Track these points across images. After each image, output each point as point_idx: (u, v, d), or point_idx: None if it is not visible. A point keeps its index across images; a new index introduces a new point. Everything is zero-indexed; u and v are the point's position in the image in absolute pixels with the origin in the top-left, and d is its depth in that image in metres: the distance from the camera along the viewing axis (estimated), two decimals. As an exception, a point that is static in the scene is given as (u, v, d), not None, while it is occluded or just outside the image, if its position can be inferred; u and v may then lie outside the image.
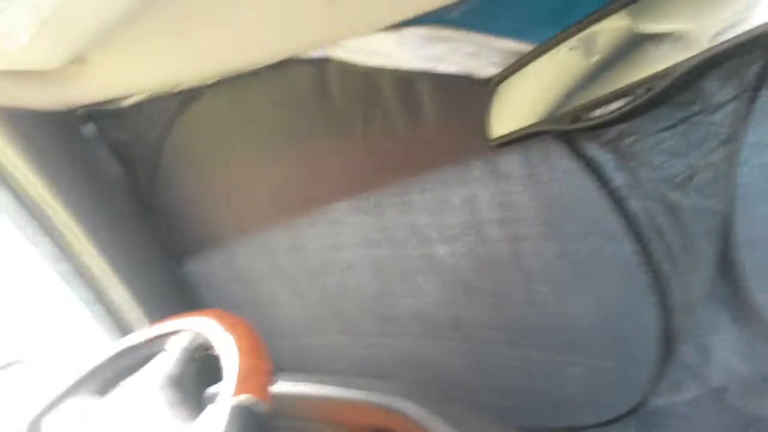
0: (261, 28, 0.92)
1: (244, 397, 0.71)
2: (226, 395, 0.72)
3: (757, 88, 0.69)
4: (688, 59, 0.61)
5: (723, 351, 0.94)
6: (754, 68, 0.67)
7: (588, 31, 0.71)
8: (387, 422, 1.07)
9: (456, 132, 0.97)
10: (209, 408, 0.74)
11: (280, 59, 1.03)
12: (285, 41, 0.99)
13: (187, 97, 1.19)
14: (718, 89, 0.69)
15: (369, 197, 1.13)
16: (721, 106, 0.70)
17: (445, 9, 0.84)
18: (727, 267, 0.85)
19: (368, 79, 0.99)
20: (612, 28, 0.70)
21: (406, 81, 0.95)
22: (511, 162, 0.94)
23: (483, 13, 0.83)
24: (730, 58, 0.64)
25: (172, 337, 0.93)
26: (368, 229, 1.18)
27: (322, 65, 1.01)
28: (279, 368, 1.50)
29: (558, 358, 1.11)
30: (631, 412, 1.10)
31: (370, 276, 1.25)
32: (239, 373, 0.76)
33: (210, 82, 1.12)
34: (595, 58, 0.73)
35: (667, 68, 0.63)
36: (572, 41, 0.74)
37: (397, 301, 1.26)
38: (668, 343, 0.96)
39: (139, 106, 1.23)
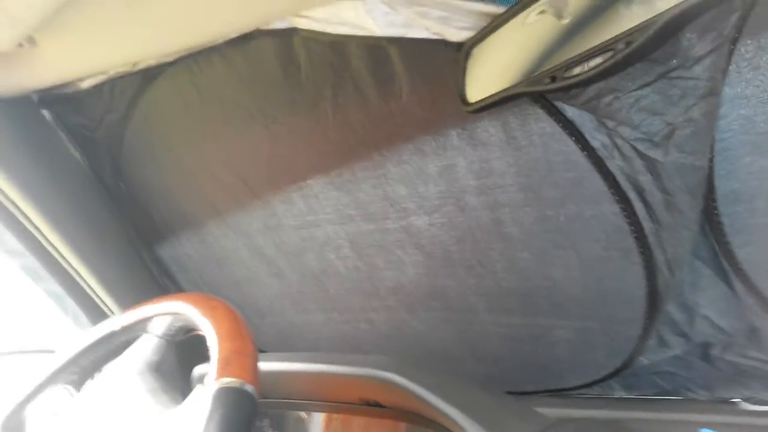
0: (220, -1, 0.87)
1: (229, 380, 0.69)
2: (211, 379, 0.70)
3: (734, 40, 0.68)
4: (668, 10, 0.59)
5: (706, 307, 0.95)
6: (732, 19, 0.65)
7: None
8: (375, 395, 1.07)
9: (430, 100, 0.94)
10: (193, 392, 0.73)
11: (242, 32, 0.98)
12: (247, 12, 0.94)
13: (147, 76, 1.14)
14: (695, 42, 0.67)
15: (343, 172, 1.10)
16: (699, 59, 0.68)
17: (411, -28, 0.81)
18: (708, 223, 0.85)
19: (336, 49, 0.95)
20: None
21: (375, 49, 0.92)
22: (488, 128, 0.92)
23: (450, -25, 0.79)
24: (708, 8, 0.62)
25: (151, 322, 0.91)
26: (344, 205, 1.15)
27: (287, 36, 0.96)
28: (262, 349, 1.49)
29: (543, 322, 1.11)
30: (618, 371, 1.11)
31: (348, 251, 1.23)
32: (223, 355, 0.74)
33: (170, 59, 1.07)
34: (566, 21, 0.71)
35: (647, 20, 0.61)
36: (540, 4, 0.71)
37: (377, 275, 1.24)
38: (653, 301, 0.96)
39: (97, 88, 1.17)
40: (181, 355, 0.91)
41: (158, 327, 0.90)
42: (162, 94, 1.17)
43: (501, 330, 1.18)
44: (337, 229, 1.21)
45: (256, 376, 0.72)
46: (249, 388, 0.70)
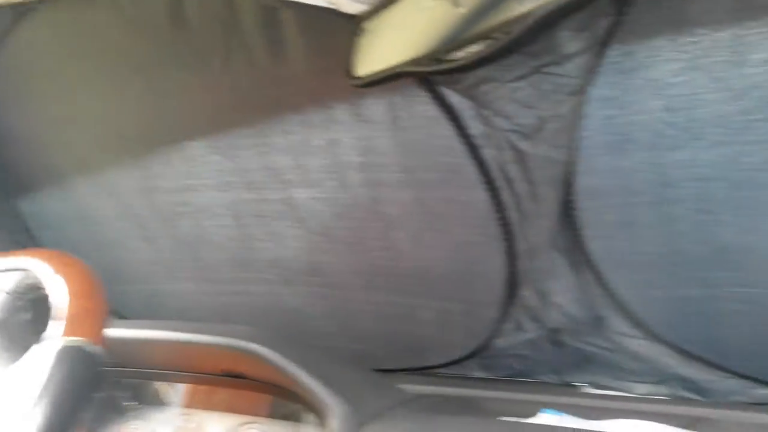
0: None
1: (73, 339, 0.66)
2: (56, 336, 0.66)
3: (605, 44, 0.73)
4: (544, 4, 0.62)
5: (559, 295, 1.02)
6: (604, 22, 0.70)
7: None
8: (239, 366, 1.05)
9: (320, 70, 0.93)
10: (34, 348, 0.68)
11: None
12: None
13: (18, 12, 1.04)
14: (569, 40, 0.71)
15: (225, 136, 1.07)
16: (570, 57, 0.73)
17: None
18: (567, 216, 0.91)
19: (229, 6, 0.91)
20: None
21: (269, 11, 0.89)
22: (375, 106, 0.93)
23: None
24: (582, 8, 0.66)
25: None
26: (225, 171, 1.12)
27: (179, -15, 0.92)
28: (122, 314, 1.41)
29: (411, 301, 1.14)
30: (477, 352, 1.17)
31: (226, 220, 1.20)
32: (69, 314, 0.71)
33: (44, -7, 0.98)
34: (463, 10, 0.72)
35: (524, 13, 0.64)
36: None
37: (255, 247, 1.21)
38: (512, 287, 1.02)
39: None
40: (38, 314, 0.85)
41: (7, 282, 0.84)
42: (34, 33, 1.07)
43: (372, 308, 1.21)
44: (216, 195, 1.17)
45: (102, 337, 0.69)
46: (94, 348, 0.67)
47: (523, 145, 0.83)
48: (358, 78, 0.85)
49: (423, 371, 1.28)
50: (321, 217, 1.10)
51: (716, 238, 0.84)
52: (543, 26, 0.66)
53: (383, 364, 1.31)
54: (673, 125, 0.76)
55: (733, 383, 0.99)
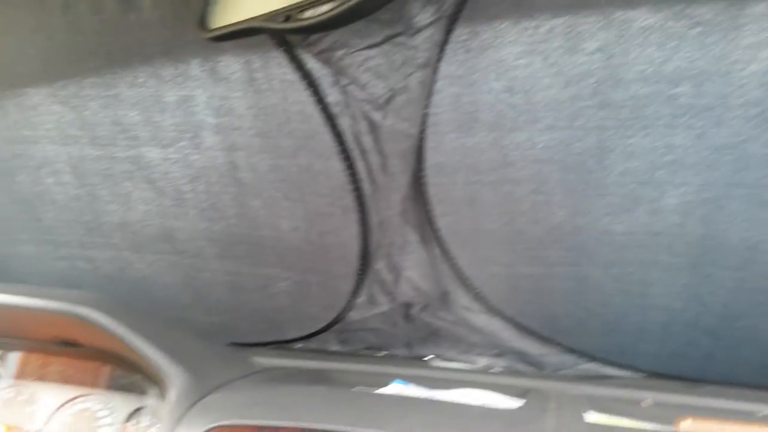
0: None
1: None
2: None
3: (453, 20, 0.74)
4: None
5: (410, 269, 1.04)
6: (452, -3, 0.72)
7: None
8: (72, 333, 0.98)
9: (173, 20, 0.87)
10: None
11: None
12: None
13: None
14: (419, 11, 0.72)
15: (68, 84, 0.98)
16: (420, 29, 0.74)
17: None
18: (417, 191, 0.93)
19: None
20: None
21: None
22: (231, 64, 0.89)
23: None
24: (429, -19, 0.67)
25: None
26: (67, 123, 1.03)
27: None
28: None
29: (267, 272, 1.12)
30: (332, 324, 1.17)
31: (69, 177, 1.10)
32: None
33: None
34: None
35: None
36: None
37: (101, 208, 1.13)
38: (365, 259, 1.03)
39: None
40: None
41: None
42: None
43: (229, 278, 1.17)
44: (57, 149, 1.07)
45: None
46: None
47: (376, 115, 0.83)
48: (209, 30, 0.81)
49: (281, 345, 1.27)
50: (173, 179, 1.04)
51: (550, 218, 0.89)
52: (390, -7, 0.66)
53: (240, 337, 1.28)
54: (514, 107, 0.79)
55: (565, 357, 1.07)
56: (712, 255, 0.83)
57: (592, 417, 0.85)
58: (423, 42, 0.75)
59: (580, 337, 1.04)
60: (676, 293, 0.90)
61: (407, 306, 1.10)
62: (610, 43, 0.70)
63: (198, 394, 0.90)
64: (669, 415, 0.82)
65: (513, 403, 0.91)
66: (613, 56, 0.71)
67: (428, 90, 0.80)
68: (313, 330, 1.20)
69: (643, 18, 0.68)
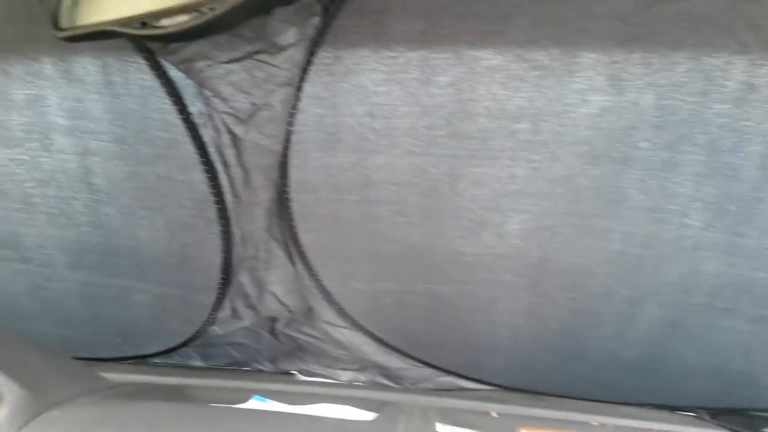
0: None
1: None
2: None
3: (316, 42, 0.76)
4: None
5: (275, 285, 1.04)
6: (313, 21, 0.73)
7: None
8: None
9: (24, 16, 0.82)
10: None
11: None
12: None
13: None
14: (281, 31, 0.73)
15: None
16: (283, 49, 0.75)
17: None
18: (282, 206, 0.93)
19: None
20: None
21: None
22: (87, 65, 0.85)
23: None
24: (290, 2, 0.68)
25: None
26: None
27: None
28: None
29: (123, 283, 1.07)
30: (193, 339, 1.14)
31: None
32: None
33: None
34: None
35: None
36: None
37: (-65, 209, 1.02)
38: (228, 273, 1.01)
39: None
40: None
41: None
42: None
43: (81, 289, 1.10)
44: None
45: None
46: None
47: (238, 129, 0.83)
48: (63, 30, 0.77)
49: (139, 360, 1.21)
50: (20, 182, 0.97)
51: (408, 238, 0.92)
52: (249, 11, 0.66)
53: (94, 352, 1.20)
54: (375, 131, 0.82)
55: (423, 371, 1.11)
56: (548, 277, 0.91)
57: (442, 428, 0.89)
58: (285, 61, 0.76)
59: (437, 351, 1.09)
60: (519, 311, 0.97)
61: (272, 321, 1.10)
62: (460, 78, 0.75)
63: (34, 410, 0.84)
64: (512, 425, 0.88)
65: (367, 416, 0.93)
66: (462, 91, 0.76)
67: (291, 108, 0.81)
68: (172, 345, 1.15)
69: (489, 58, 0.73)
